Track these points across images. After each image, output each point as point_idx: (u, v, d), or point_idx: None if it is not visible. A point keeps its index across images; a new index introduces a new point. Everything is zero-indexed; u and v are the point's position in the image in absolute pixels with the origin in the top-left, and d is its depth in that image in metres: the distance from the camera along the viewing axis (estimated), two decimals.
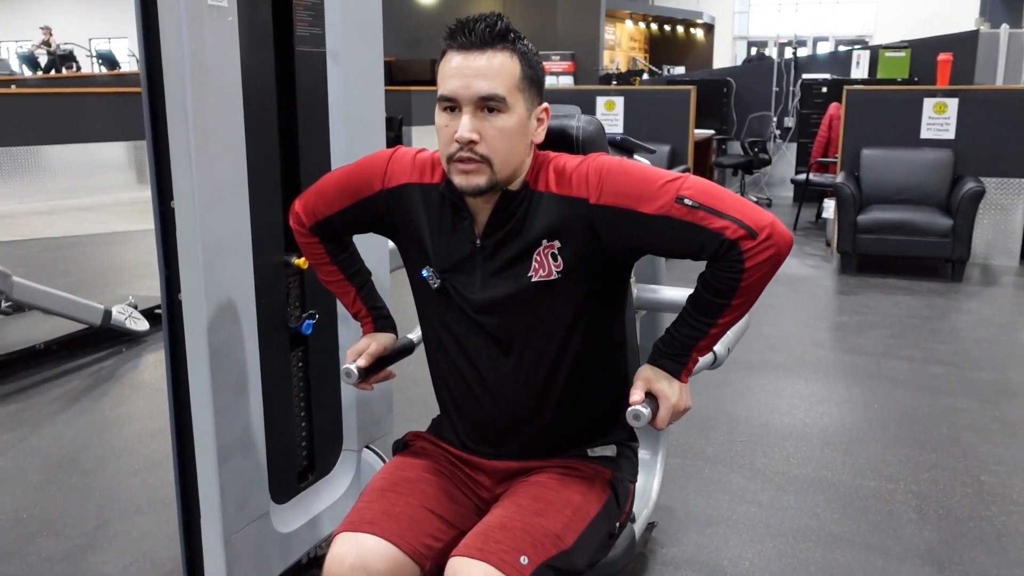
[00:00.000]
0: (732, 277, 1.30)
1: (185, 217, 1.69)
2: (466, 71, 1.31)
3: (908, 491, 2.74)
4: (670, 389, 1.37)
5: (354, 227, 1.61)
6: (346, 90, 2.07)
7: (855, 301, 5.14)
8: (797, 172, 8.38)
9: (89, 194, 9.41)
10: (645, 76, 13.09)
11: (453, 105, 1.33)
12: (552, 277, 1.39)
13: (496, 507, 1.41)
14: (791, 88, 9.41)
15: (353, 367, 1.57)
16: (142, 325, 4.35)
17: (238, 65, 1.73)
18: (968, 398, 3.53)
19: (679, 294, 2.14)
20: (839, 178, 6.04)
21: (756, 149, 8.61)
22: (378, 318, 1.68)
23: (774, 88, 9.57)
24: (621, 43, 18.75)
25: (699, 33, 21.01)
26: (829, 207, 6.53)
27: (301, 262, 1.95)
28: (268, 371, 1.93)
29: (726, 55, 21.28)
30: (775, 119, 9.39)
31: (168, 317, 1.82)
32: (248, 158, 1.78)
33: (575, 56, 15.40)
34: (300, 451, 2.15)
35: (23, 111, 9.20)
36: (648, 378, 1.38)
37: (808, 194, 7.66)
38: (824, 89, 8.72)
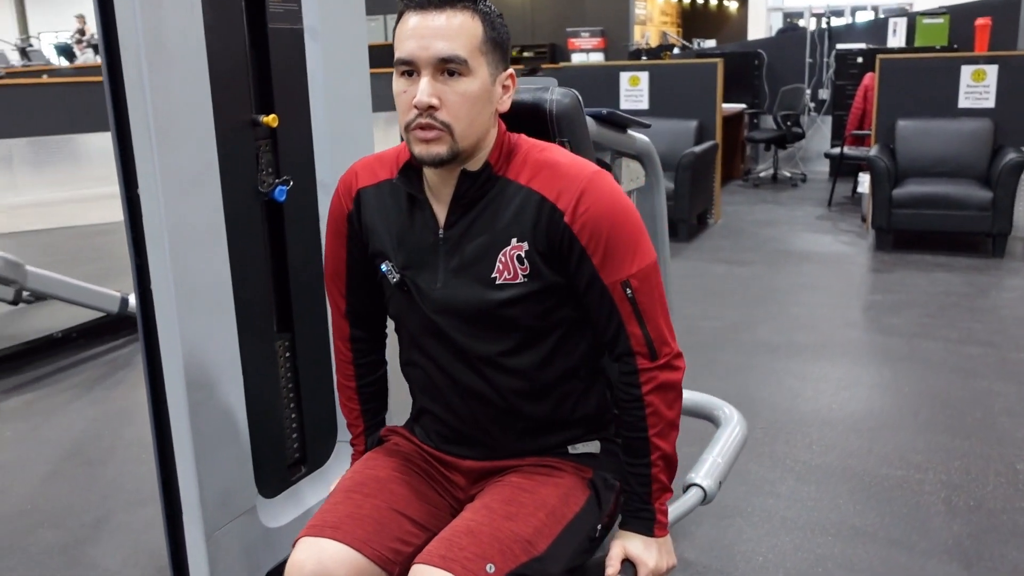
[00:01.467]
0: (635, 406, 1.32)
1: (150, 204, 1.62)
2: (424, 31, 1.21)
3: (937, 481, 2.60)
4: (646, 553, 1.34)
5: (365, 272, 1.47)
6: (326, 68, 1.97)
7: (890, 279, 4.96)
8: (832, 146, 8.13)
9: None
10: (676, 50, 12.82)
11: (411, 69, 1.23)
12: (517, 280, 1.29)
13: (466, 510, 1.32)
14: (825, 59, 9.14)
15: None
16: None
17: (203, 45, 1.64)
18: (1006, 381, 3.36)
19: None
20: (873, 151, 5.83)
21: (789, 123, 8.37)
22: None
23: (807, 60, 9.31)
24: (653, 17, 18.43)
25: (733, 5, 20.59)
26: (864, 181, 6.31)
27: (270, 119, 1.83)
28: (250, 362, 1.86)
29: (761, 27, 20.80)
30: (809, 92, 9.13)
31: (141, 309, 1.75)
32: (218, 141, 1.70)
33: (604, 32, 15.15)
34: (290, 443, 2.08)
35: (57, 100, 9.24)
36: (623, 545, 1.34)
37: (843, 168, 7.42)
38: (859, 59, 8.42)
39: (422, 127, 1.23)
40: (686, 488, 1.69)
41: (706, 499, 1.67)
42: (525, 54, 15.47)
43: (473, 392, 1.36)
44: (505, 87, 1.31)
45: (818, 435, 2.93)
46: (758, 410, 3.14)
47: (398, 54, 1.24)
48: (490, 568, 1.20)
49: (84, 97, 9.39)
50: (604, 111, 1.70)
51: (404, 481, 1.41)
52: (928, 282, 4.82)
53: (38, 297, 4.14)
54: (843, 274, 5.13)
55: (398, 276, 1.35)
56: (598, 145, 1.82)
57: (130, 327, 4.28)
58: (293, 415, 2.08)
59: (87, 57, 14.16)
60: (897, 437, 2.90)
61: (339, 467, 2.20)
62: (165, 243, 1.61)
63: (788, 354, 3.74)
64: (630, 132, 1.89)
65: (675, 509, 1.59)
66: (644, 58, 11.56)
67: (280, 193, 1.87)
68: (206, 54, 1.65)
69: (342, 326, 1.54)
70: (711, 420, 1.99)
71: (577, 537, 1.33)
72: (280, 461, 2.03)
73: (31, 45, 16.52)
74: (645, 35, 17.13)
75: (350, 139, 2.06)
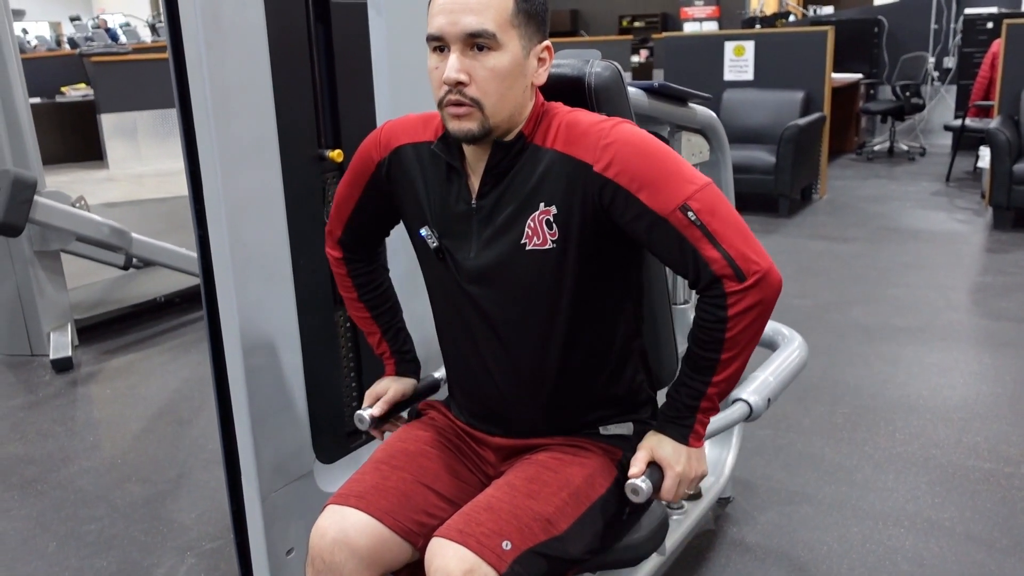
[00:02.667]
0: (716, 327, 1.22)
1: (210, 178, 1.67)
2: (453, 6, 1.20)
3: None
4: (675, 457, 1.27)
5: (374, 218, 1.52)
6: (389, 41, 1.99)
7: (1005, 260, 4.67)
8: (956, 117, 7.67)
9: None
10: (792, 18, 12.32)
11: (442, 45, 1.23)
12: (547, 247, 1.27)
13: (490, 487, 1.32)
14: (952, 25, 8.61)
15: (366, 414, 1.54)
16: None
17: (262, 21, 1.68)
18: None
19: None
20: (994, 123, 5.47)
21: (908, 93, 7.94)
22: (401, 361, 1.61)
23: (932, 26, 8.78)
24: None
25: None
26: (985, 156, 5.93)
27: (336, 154, 1.87)
28: (309, 333, 1.91)
29: None
30: (932, 60, 8.62)
31: (204, 279, 1.82)
32: (278, 116, 1.74)
33: (719, 0, 14.69)
34: (349, 411, 2.13)
35: (157, 75, 9.63)
36: (651, 446, 1.29)
37: (966, 141, 7.01)
38: (990, 25, 7.91)
39: (453, 103, 1.23)
40: (733, 402, 1.63)
41: (752, 415, 1.60)
42: (636, 24, 15.18)
43: (504, 366, 1.36)
44: (541, 60, 1.29)
45: (903, 422, 2.80)
46: (842, 394, 3.03)
47: (429, 30, 1.23)
48: (506, 545, 1.20)
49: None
50: (656, 83, 1.65)
51: (435, 455, 1.42)
52: None
53: (146, 263, 4.37)
54: (953, 253, 4.86)
55: (436, 242, 1.36)
56: (654, 119, 1.77)
57: None
58: (353, 384, 2.13)
59: None
60: (990, 428, 2.74)
61: None
62: (223, 214, 1.67)
63: (882, 336, 3.58)
64: (691, 105, 1.83)
65: (716, 421, 1.52)
66: (758, 27, 11.18)
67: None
68: (266, 31, 1.68)
69: (334, 250, 1.59)
70: (769, 347, 1.92)
71: (602, 519, 1.32)
72: (339, 428, 2.08)
73: (161, 21, 17.30)
74: (761, 2, 16.53)
75: (413, 104, 2.07)
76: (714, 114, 1.92)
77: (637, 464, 1.28)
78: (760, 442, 2.68)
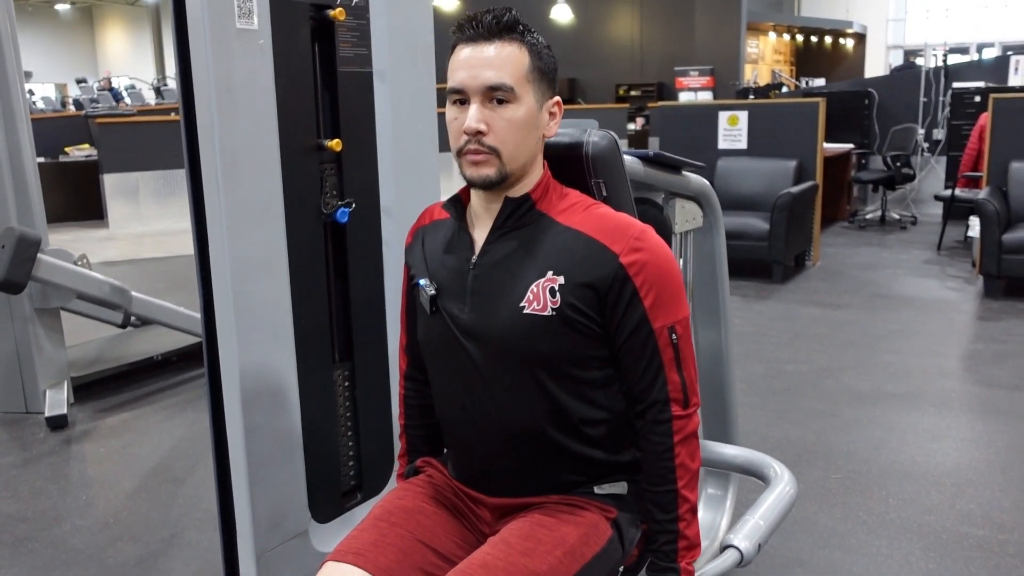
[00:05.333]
0: (665, 456, 1.33)
1: (216, 237, 1.72)
2: (474, 62, 1.29)
3: (1021, 543, 2.45)
4: None
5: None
6: (394, 109, 2.06)
7: (996, 327, 4.72)
8: (946, 187, 7.81)
9: None
10: (784, 89, 12.61)
11: (462, 98, 1.31)
12: (546, 313, 1.32)
13: (485, 544, 1.34)
14: (941, 98, 8.82)
15: None
16: None
17: (272, 87, 1.75)
18: None
19: None
20: (983, 193, 5.58)
21: (898, 163, 8.09)
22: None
23: (922, 99, 9.00)
24: (765, 56, 18.18)
25: (849, 43, 20.10)
26: (975, 225, 6.02)
27: (334, 144, 1.91)
28: (308, 390, 1.93)
29: (879, 65, 20.24)
30: (922, 131, 8.82)
31: (207, 338, 1.85)
32: (284, 178, 1.80)
33: (714, 71, 15.05)
34: (346, 470, 2.14)
35: (164, 137, 9.78)
36: None
37: (956, 211, 7.13)
38: (977, 98, 8.11)
39: (471, 152, 1.30)
40: (723, 549, 1.65)
41: (742, 562, 1.62)
42: (632, 92, 15.51)
43: (495, 425, 1.38)
44: (552, 114, 1.38)
45: (896, 488, 2.81)
46: (835, 459, 3.04)
47: (450, 83, 1.32)
48: None
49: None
50: (651, 152, 1.71)
51: (432, 512, 1.44)
52: None
53: (144, 322, 4.39)
54: (945, 321, 4.91)
55: (434, 291, 1.40)
56: (648, 186, 1.83)
57: None
58: (350, 443, 2.14)
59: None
60: (983, 494, 2.75)
61: None
62: (227, 274, 1.71)
63: (875, 402, 3.60)
64: (684, 173, 1.89)
65: (706, 572, 1.56)
66: (752, 97, 11.43)
67: (342, 215, 1.94)
68: (275, 96, 1.75)
69: (402, 362, 1.62)
70: (760, 478, 1.94)
71: None
72: (335, 487, 2.09)
73: (166, 85, 17.63)
74: (755, 74, 16.92)
75: (414, 172, 2.14)
76: (707, 182, 1.98)
77: None
78: (750, 506, 2.67)
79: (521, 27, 1.31)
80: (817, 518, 2.62)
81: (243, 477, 1.80)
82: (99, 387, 4.03)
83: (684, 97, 14.91)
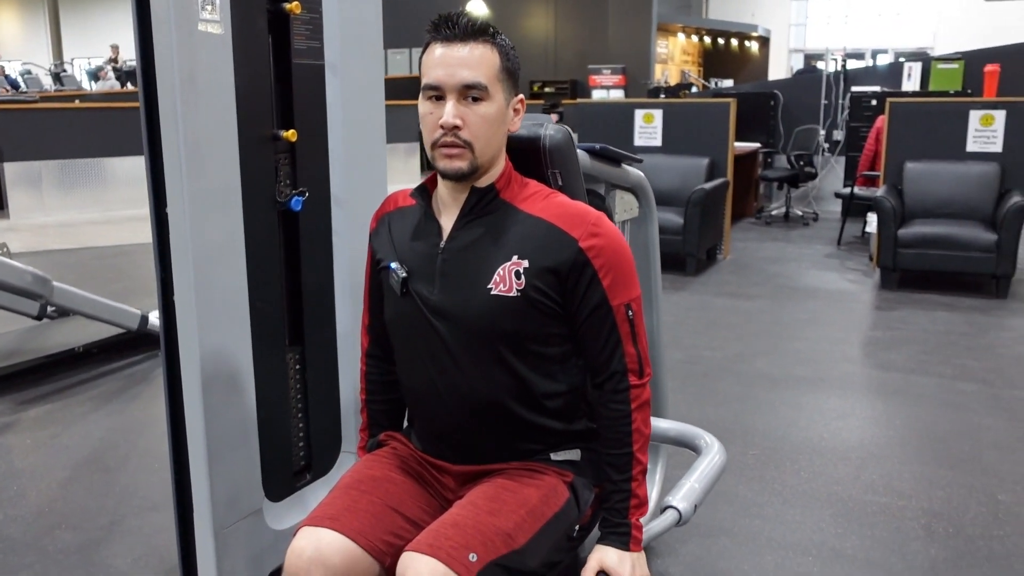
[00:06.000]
0: (622, 422, 1.47)
1: (177, 223, 1.76)
2: (451, 60, 1.39)
3: (919, 508, 2.69)
4: (620, 565, 1.45)
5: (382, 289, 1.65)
6: (344, 101, 2.13)
7: (891, 316, 5.05)
8: (845, 186, 8.24)
9: (145, 205, 9.68)
10: (694, 89, 13.02)
11: (438, 94, 1.40)
12: (511, 294, 1.43)
13: (454, 506, 1.44)
14: (840, 101, 9.28)
15: None
16: None
17: (231, 78, 1.80)
18: (996, 416, 3.44)
19: None
20: (880, 191, 5.95)
21: (802, 162, 8.50)
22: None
23: (823, 101, 9.45)
24: (674, 56, 18.69)
25: (754, 46, 20.82)
26: (872, 221, 6.40)
27: (290, 134, 1.97)
28: (262, 372, 1.99)
29: (782, 68, 21.03)
30: (823, 132, 9.27)
31: (164, 320, 1.89)
32: (242, 166, 1.85)
33: (626, 70, 15.40)
34: (297, 451, 2.21)
35: (87, 124, 9.54)
36: (599, 558, 1.46)
37: (854, 208, 7.54)
38: (873, 102, 8.57)
39: (446, 145, 1.40)
40: (663, 509, 1.79)
41: (681, 521, 1.76)
42: (547, 89, 15.72)
43: (461, 398, 1.48)
44: (516, 110, 1.50)
45: (807, 462, 3.03)
46: (752, 437, 3.24)
47: (426, 80, 1.41)
48: (472, 557, 1.32)
49: (113, 123, 9.67)
50: (597, 146, 1.83)
51: (399, 481, 1.53)
52: (929, 320, 4.90)
53: (61, 313, 4.31)
54: (846, 311, 5.23)
55: (405, 273, 1.50)
56: (592, 178, 1.95)
57: (149, 343, 4.44)
58: (300, 425, 2.21)
59: (111, 84, 14.53)
60: (884, 466, 2.99)
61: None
62: (189, 259, 1.76)
63: (786, 386, 3.84)
64: (624, 166, 2.02)
65: (651, 528, 1.70)
66: (663, 96, 11.77)
67: (296, 203, 2.01)
68: (234, 88, 1.80)
69: (364, 340, 1.71)
70: (693, 449, 2.10)
71: (555, 534, 1.45)
72: (287, 467, 2.15)
73: (64, 71, 16.97)
74: (665, 74, 17.37)
75: (364, 162, 2.21)
76: (643, 175, 2.12)
77: (588, 574, 1.45)
78: (677, 481, 2.84)
79: (492, 30, 1.42)
80: (738, 491, 2.81)
81: (202, 456, 1.85)
82: (18, 379, 3.94)
83: (597, 95, 15.22)
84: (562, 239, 1.43)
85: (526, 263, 1.42)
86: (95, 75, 14.76)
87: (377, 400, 1.71)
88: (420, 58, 1.44)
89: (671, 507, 1.75)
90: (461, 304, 1.45)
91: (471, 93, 1.39)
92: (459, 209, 1.47)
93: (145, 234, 8.84)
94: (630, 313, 1.46)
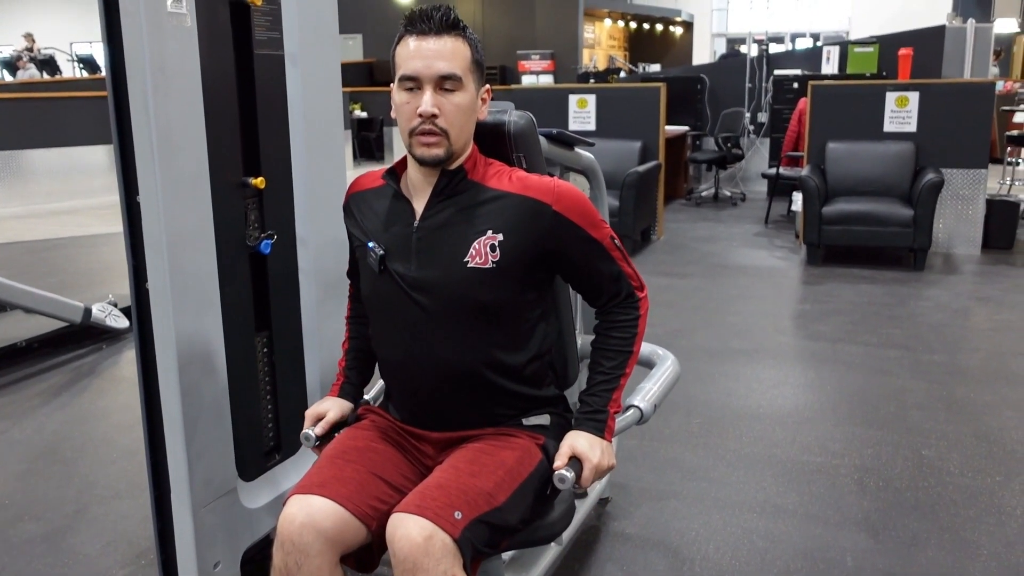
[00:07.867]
0: (632, 324, 1.64)
1: (150, 210, 1.81)
2: (427, 53, 1.48)
3: (851, 465, 2.88)
4: (591, 451, 1.56)
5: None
6: (304, 90, 2.18)
7: (819, 290, 5.30)
8: (769, 167, 8.53)
9: (70, 197, 9.47)
10: (622, 74, 13.22)
11: (415, 85, 1.49)
12: (487, 266, 1.53)
13: (436, 470, 1.54)
14: (763, 84, 9.57)
15: (312, 432, 1.74)
16: (122, 322, 4.45)
17: (198, 68, 1.85)
18: (918, 379, 3.68)
19: None
20: (804, 171, 6.20)
21: (729, 144, 8.77)
22: (345, 383, 1.84)
23: (747, 84, 9.73)
24: (601, 41, 18.91)
25: (678, 31, 21.20)
26: (797, 200, 6.68)
27: (258, 182, 2.05)
28: (234, 351, 2.05)
29: (705, 52, 21.45)
30: (748, 115, 9.55)
31: (136, 306, 1.94)
32: (209, 154, 1.91)
33: (554, 55, 15.54)
34: (267, 432, 2.27)
35: (4, 116, 9.26)
36: (571, 443, 1.57)
37: (780, 188, 7.81)
38: (795, 85, 8.87)
39: (424, 132, 1.50)
40: (625, 409, 1.90)
41: (642, 419, 1.86)
42: None
43: (438, 367, 1.58)
44: (483, 99, 1.60)
45: (747, 428, 3.20)
46: (695, 407, 3.41)
47: (403, 71, 1.50)
48: (457, 515, 1.42)
49: (31, 113, 9.39)
50: (554, 131, 1.94)
51: (381, 450, 1.62)
52: (854, 293, 5.16)
53: (1, 307, 4.23)
54: (776, 286, 5.46)
55: (382, 251, 1.59)
56: (548, 161, 2.06)
57: (93, 337, 4.40)
58: (270, 406, 2.27)
59: (31, 73, 14.06)
60: (818, 429, 3.18)
61: (311, 456, 2.39)
62: (163, 245, 1.80)
63: (724, 358, 4.03)
64: (577, 150, 2.13)
65: (618, 422, 1.78)
66: (592, 81, 11.94)
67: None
68: (200, 77, 1.85)
69: (350, 306, 1.87)
70: (647, 365, 2.20)
71: (532, 493, 1.56)
72: (258, 448, 2.22)
73: None
74: (593, 58, 17.57)
75: (323, 148, 2.26)
76: (593, 158, 2.23)
77: (561, 458, 1.56)
78: (630, 451, 2.99)
79: (462, 24, 1.52)
80: (684, 457, 2.97)
81: (179, 436, 1.91)
82: None
83: (527, 80, 15.33)
84: (536, 207, 1.54)
85: (500, 236, 1.53)
86: (12, 65, 14.23)
87: (356, 346, 1.86)
88: (393, 51, 1.52)
89: (633, 406, 1.86)
90: (440, 278, 1.54)
91: (446, 84, 1.48)
92: (430, 190, 1.56)
93: (73, 227, 8.65)
94: (616, 242, 1.62)
